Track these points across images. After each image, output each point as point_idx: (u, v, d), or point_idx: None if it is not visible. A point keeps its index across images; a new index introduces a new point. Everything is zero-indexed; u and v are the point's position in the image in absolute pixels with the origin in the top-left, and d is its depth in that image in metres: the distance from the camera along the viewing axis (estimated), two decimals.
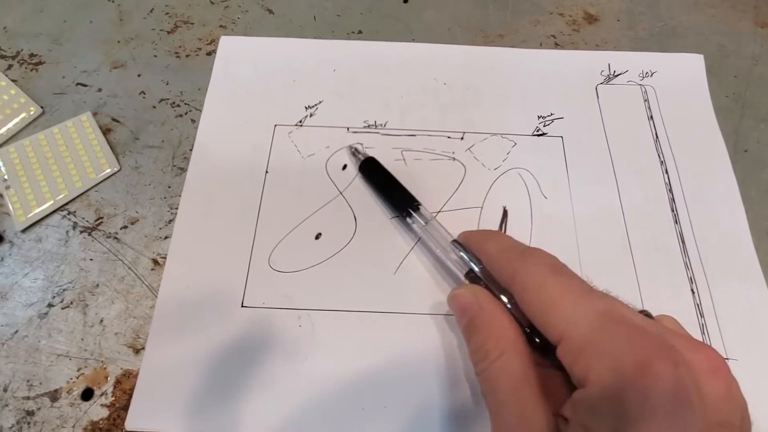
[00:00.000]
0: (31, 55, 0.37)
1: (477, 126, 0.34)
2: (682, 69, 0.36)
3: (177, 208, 0.30)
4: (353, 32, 0.38)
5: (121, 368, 0.26)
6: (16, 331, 0.27)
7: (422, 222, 0.28)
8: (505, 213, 0.31)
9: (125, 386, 0.26)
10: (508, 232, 0.30)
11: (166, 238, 0.30)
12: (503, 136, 0.33)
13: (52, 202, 0.31)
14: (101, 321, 0.27)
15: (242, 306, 0.28)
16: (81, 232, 0.30)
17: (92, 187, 0.31)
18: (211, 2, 0.39)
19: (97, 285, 0.28)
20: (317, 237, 0.30)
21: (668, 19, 0.40)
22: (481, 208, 0.31)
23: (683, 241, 0.30)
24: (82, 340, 0.27)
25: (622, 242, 0.30)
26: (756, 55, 0.38)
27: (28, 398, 0.26)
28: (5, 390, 0.26)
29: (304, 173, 0.32)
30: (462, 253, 0.25)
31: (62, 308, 0.28)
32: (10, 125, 0.33)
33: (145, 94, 0.35)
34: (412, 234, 0.29)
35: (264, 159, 0.32)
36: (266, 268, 0.29)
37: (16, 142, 0.32)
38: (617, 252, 0.30)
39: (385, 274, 0.29)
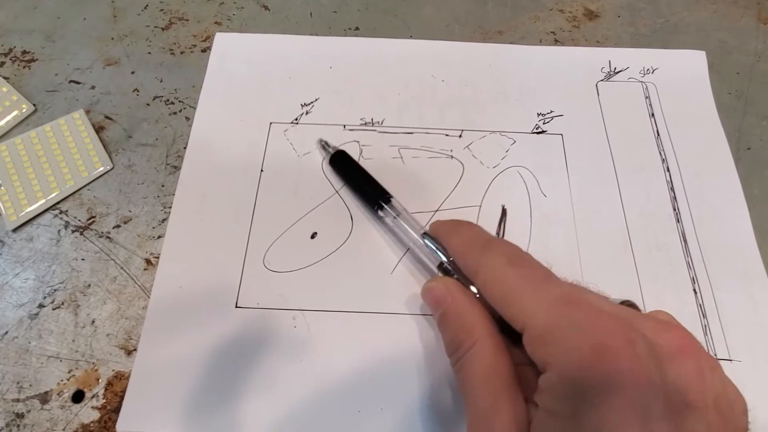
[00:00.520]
0: (24, 53, 0.36)
1: (475, 124, 0.33)
2: (684, 66, 0.36)
3: (170, 207, 0.30)
4: (350, 29, 0.38)
5: (113, 370, 0.26)
6: (6, 332, 0.27)
7: (393, 215, 0.27)
8: (504, 212, 0.30)
9: (116, 388, 0.25)
10: (507, 231, 0.30)
11: (159, 237, 0.29)
12: (502, 133, 0.33)
13: (43, 201, 0.30)
14: (93, 322, 0.27)
15: (236, 306, 0.27)
16: (73, 231, 0.30)
17: (84, 186, 0.31)
18: None
19: (89, 285, 0.28)
20: (313, 236, 0.29)
21: (670, 15, 0.39)
22: (480, 206, 0.30)
23: (685, 241, 0.29)
24: (73, 341, 0.27)
25: (623, 241, 0.29)
26: (759, 51, 0.37)
27: (17, 400, 0.25)
28: None
29: (300, 172, 0.31)
30: (432, 246, 0.25)
31: (53, 309, 0.27)
32: (1, 123, 0.33)
33: (138, 91, 0.35)
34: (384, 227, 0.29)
35: (259, 157, 0.32)
36: (261, 268, 0.28)
37: (8, 141, 0.32)
38: (618, 251, 0.29)
39: (381, 274, 0.28)
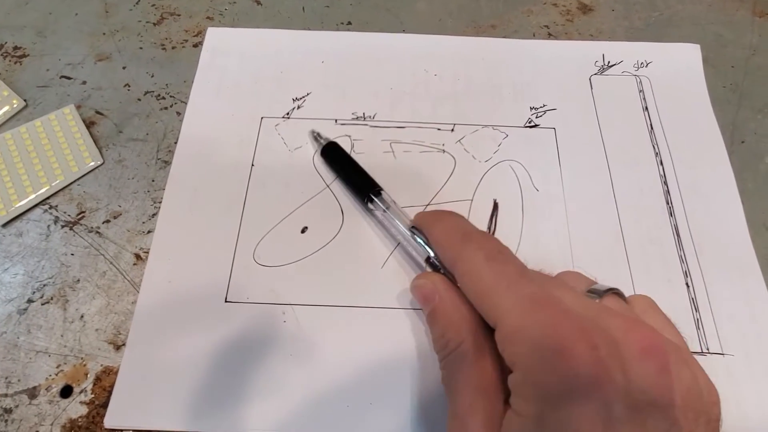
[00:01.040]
0: (15, 48, 0.36)
1: (468, 118, 0.33)
2: (678, 59, 0.36)
3: (160, 202, 0.30)
4: (342, 23, 0.37)
5: (101, 365, 0.26)
6: None
7: (383, 207, 0.27)
8: (495, 206, 0.30)
9: (105, 383, 0.25)
10: (498, 225, 0.29)
11: (149, 232, 0.29)
12: (494, 127, 0.33)
13: (33, 196, 0.30)
14: (82, 317, 0.27)
15: (226, 301, 0.27)
16: (62, 226, 0.29)
17: (75, 181, 0.31)
18: None
19: (78, 280, 0.28)
20: (303, 231, 0.29)
21: (664, 8, 0.39)
22: (471, 201, 0.30)
23: (678, 234, 0.29)
24: (62, 336, 0.26)
25: (616, 235, 0.29)
26: (754, 44, 0.37)
27: (6, 395, 0.25)
28: None
29: (291, 166, 0.31)
30: (420, 240, 0.25)
31: (42, 304, 0.27)
32: None
33: (130, 86, 0.34)
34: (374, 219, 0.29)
35: (250, 152, 0.32)
36: (251, 263, 0.28)
37: None
38: (610, 245, 0.29)
39: (372, 269, 0.28)
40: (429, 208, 0.30)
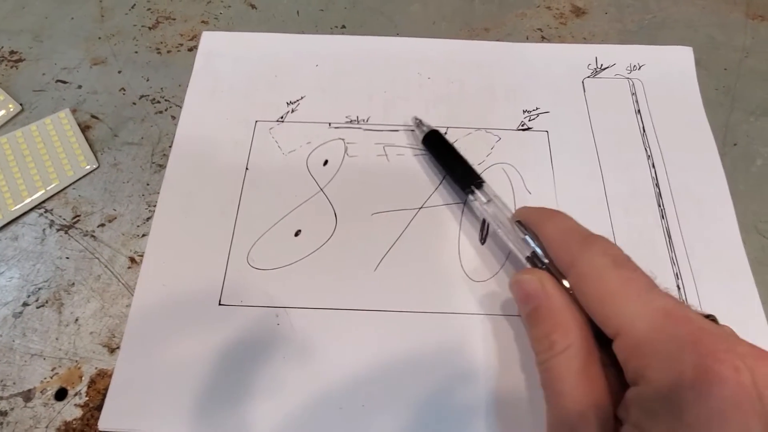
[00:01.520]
0: (12, 53, 0.36)
1: (461, 121, 0.33)
2: (671, 62, 0.36)
3: (155, 206, 0.30)
4: (337, 27, 0.38)
5: (96, 368, 0.26)
6: None
7: (484, 200, 0.27)
8: None
9: (99, 386, 0.25)
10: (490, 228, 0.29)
11: (143, 236, 0.29)
12: (487, 130, 0.33)
13: (29, 200, 0.30)
14: (76, 320, 0.27)
15: (220, 304, 0.27)
16: (58, 230, 0.30)
17: (70, 185, 0.31)
18: None
19: (73, 284, 0.28)
20: (297, 234, 0.29)
21: (657, 11, 0.39)
22: (464, 203, 0.30)
23: (670, 236, 0.29)
24: (57, 339, 0.27)
25: (607, 237, 0.29)
26: (747, 47, 0.37)
27: (1, 398, 0.25)
28: None
29: (285, 170, 0.31)
30: (526, 236, 0.24)
31: (37, 307, 0.27)
32: None
33: (125, 90, 0.35)
34: (474, 213, 0.29)
35: (244, 156, 0.32)
36: (245, 266, 0.28)
37: None
38: None
39: (365, 271, 0.28)
40: (422, 211, 0.30)
